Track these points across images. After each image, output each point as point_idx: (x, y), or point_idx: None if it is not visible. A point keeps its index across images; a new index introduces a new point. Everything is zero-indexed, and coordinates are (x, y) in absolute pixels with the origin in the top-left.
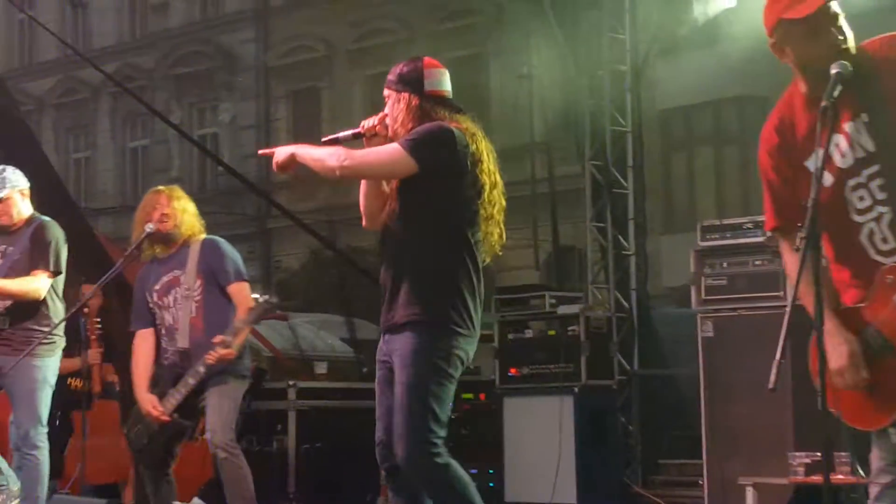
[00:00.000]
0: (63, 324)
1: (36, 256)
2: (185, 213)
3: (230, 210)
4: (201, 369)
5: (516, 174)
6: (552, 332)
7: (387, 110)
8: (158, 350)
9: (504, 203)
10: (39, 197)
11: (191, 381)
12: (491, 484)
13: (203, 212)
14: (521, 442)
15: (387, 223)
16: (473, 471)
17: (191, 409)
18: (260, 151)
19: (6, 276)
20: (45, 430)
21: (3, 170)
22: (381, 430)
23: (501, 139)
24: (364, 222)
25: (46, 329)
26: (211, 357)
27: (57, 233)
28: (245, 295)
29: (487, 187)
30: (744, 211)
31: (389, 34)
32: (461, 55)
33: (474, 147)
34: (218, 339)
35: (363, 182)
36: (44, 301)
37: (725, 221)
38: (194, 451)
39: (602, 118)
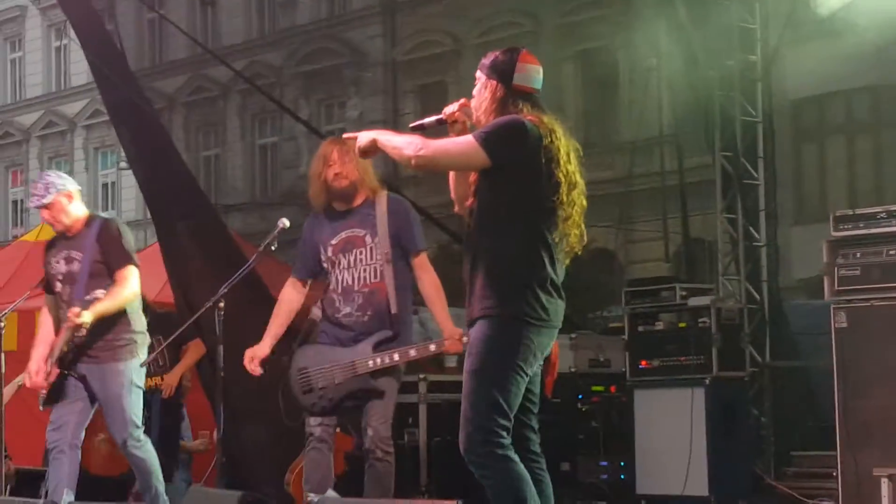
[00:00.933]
0: (144, 323)
1: (114, 255)
2: (362, 168)
3: None
4: (412, 353)
5: (645, 166)
6: (683, 324)
7: (474, 93)
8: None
9: (585, 204)
10: (174, 194)
11: (388, 359)
12: (622, 476)
13: None
14: (651, 434)
15: (467, 216)
16: (604, 463)
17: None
18: (345, 135)
19: (87, 285)
20: (140, 429)
21: (48, 175)
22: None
23: (630, 131)
24: (456, 208)
25: (127, 332)
26: (443, 346)
27: (122, 226)
28: (430, 268)
29: (564, 186)
30: (877, 200)
31: (515, 28)
32: (588, 48)
33: (549, 142)
34: (458, 333)
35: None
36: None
37: (858, 211)
38: None
39: (732, 109)
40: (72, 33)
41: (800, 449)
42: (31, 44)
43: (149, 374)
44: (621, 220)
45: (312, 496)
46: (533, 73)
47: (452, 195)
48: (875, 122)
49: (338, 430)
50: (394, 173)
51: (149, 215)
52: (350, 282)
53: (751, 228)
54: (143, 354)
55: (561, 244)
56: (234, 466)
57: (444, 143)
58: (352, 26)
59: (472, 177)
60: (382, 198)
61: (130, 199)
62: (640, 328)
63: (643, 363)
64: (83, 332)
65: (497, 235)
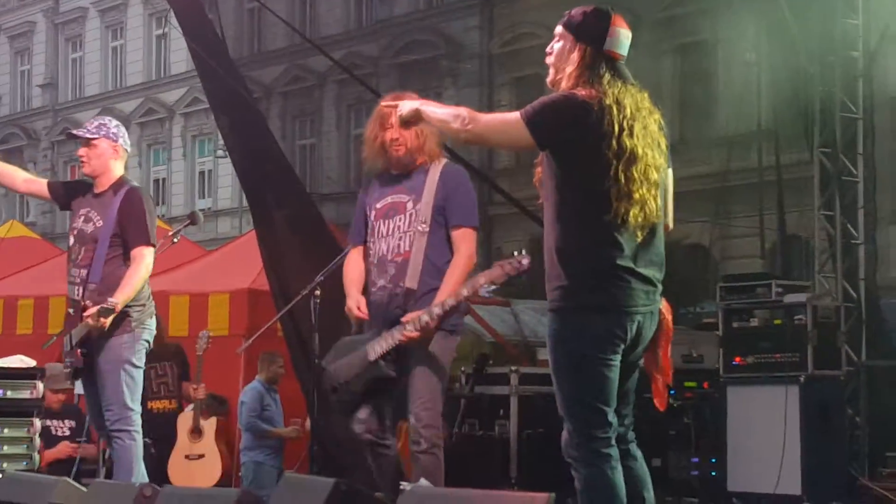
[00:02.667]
0: (148, 298)
1: (131, 232)
2: (422, 135)
3: None
4: (407, 328)
5: (742, 161)
6: (778, 321)
7: (554, 48)
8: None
9: (655, 178)
10: (271, 183)
11: (398, 335)
12: (713, 473)
13: None
14: (744, 431)
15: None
16: (695, 459)
17: (398, 361)
18: (383, 102)
19: (93, 248)
20: (135, 413)
21: (109, 120)
22: None
23: (728, 126)
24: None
25: (134, 307)
26: (404, 334)
27: (149, 202)
28: (470, 245)
29: (620, 164)
30: None
31: None
32: (687, 42)
33: (601, 118)
34: (409, 316)
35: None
36: (122, 270)
37: None
38: None
39: (832, 105)
40: (174, 21)
41: (895, 450)
42: (132, 32)
43: (159, 398)
44: (717, 215)
45: (405, 484)
46: (623, 39)
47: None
48: None
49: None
50: (488, 164)
51: (245, 203)
52: (385, 251)
53: (849, 226)
54: (145, 329)
55: (626, 224)
56: (327, 454)
57: (493, 119)
58: (449, 18)
59: (540, 160)
60: (439, 164)
61: (227, 188)
62: (735, 324)
63: (737, 360)
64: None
65: (556, 222)
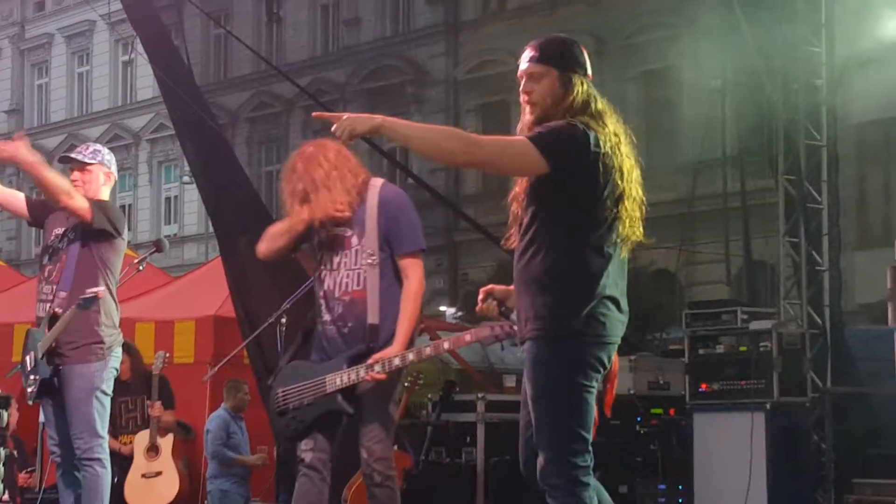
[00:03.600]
0: (117, 321)
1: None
2: (350, 170)
3: None
4: (362, 374)
5: (707, 188)
6: (744, 348)
7: (529, 87)
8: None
9: (641, 195)
10: (237, 209)
11: (355, 375)
12: (680, 500)
13: None
14: (711, 458)
15: (515, 229)
16: (662, 486)
17: (353, 397)
18: (315, 114)
19: (75, 279)
20: (103, 440)
21: (102, 147)
22: (523, 443)
23: (692, 153)
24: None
25: (106, 333)
26: (370, 376)
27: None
28: (419, 272)
29: (626, 196)
30: None
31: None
32: (652, 69)
33: (609, 149)
34: (377, 356)
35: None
36: (96, 301)
37: None
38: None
39: (796, 132)
40: (140, 48)
41: (861, 476)
42: (98, 58)
43: (127, 432)
44: (683, 241)
45: None
46: (588, 61)
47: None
48: None
49: (395, 447)
50: (454, 190)
51: (211, 229)
52: (332, 287)
53: (813, 252)
54: (112, 357)
55: (618, 252)
56: (293, 482)
57: (496, 142)
58: (415, 45)
59: (520, 187)
60: (375, 187)
61: (193, 213)
62: (701, 351)
63: (703, 386)
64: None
65: (550, 249)
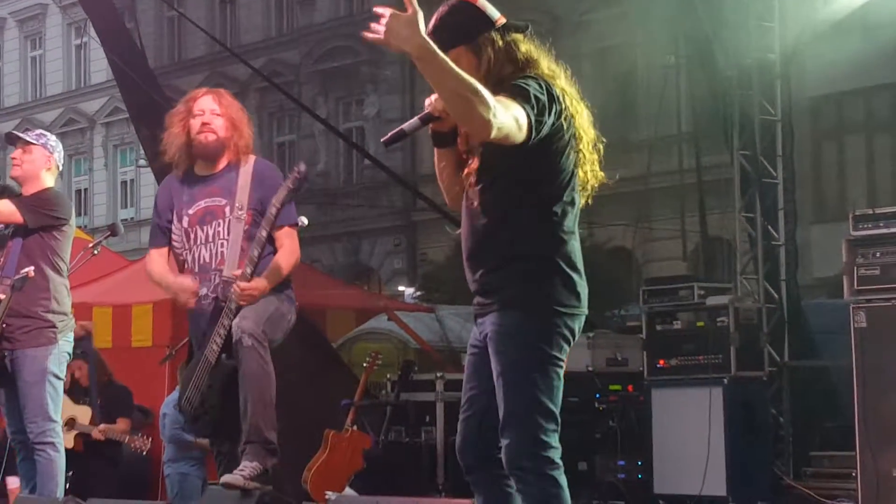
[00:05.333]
0: (69, 306)
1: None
2: (235, 125)
3: (376, 203)
4: (232, 307)
5: (664, 165)
6: (701, 324)
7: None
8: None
9: (593, 135)
10: None
11: (225, 321)
12: (639, 476)
13: (350, 204)
14: (669, 434)
15: (468, 195)
16: (621, 462)
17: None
18: (380, 9)
19: (22, 251)
20: (57, 424)
21: (48, 135)
22: (463, 419)
23: (647, 130)
24: (448, 202)
25: (57, 318)
26: (234, 294)
27: (57, 195)
28: (294, 242)
29: (584, 145)
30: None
31: (534, 26)
32: (607, 45)
33: (568, 103)
34: (238, 271)
35: (438, 153)
36: (45, 281)
37: (878, 210)
38: (343, 442)
39: (751, 107)
40: (92, 31)
41: (819, 449)
42: (51, 42)
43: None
44: (639, 218)
45: (330, 494)
46: (486, 6)
47: (444, 187)
48: (894, 120)
49: (354, 427)
50: (411, 170)
51: None
52: (207, 259)
53: (769, 227)
54: (65, 340)
55: (578, 208)
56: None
57: (507, 106)
58: (370, 25)
59: (464, 150)
60: (249, 162)
61: (149, 197)
62: (658, 327)
63: (661, 362)
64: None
65: (514, 218)
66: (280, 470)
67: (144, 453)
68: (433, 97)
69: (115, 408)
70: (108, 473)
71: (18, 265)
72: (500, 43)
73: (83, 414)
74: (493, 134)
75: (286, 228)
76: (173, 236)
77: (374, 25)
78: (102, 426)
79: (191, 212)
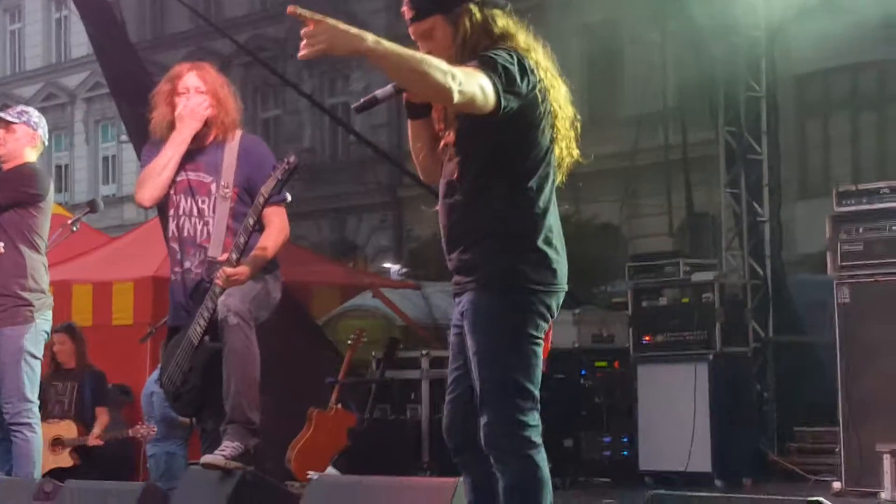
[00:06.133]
0: (46, 285)
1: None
2: (220, 102)
3: (362, 179)
4: (216, 290)
5: (649, 141)
6: (686, 300)
7: (427, 47)
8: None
9: (571, 112)
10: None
11: (209, 303)
12: (625, 452)
13: (335, 181)
14: (655, 410)
15: (445, 169)
16: (607, 439)
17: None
18: (290, 9)
19: None
20: (34, 405)
21: (32, 110)
22: (449, 400)
23: (634, 106)
24: (423, 177)
25: (34, 296)
26: (218, 279)
27: (37, 170)
28: (282, 219)
29: (559, 120)
30: (880, 176)
31: (519, 2)
32: (592, 21)
33: (542, 75)
34: (223, 255)
35: (413, 125)
36: (22, 259)
37: (861, 187)
38: (328, 420)
39: (736, 84)
40: (71, 4)
41: (803, 424)
42: (30, 15)
43: (52, 416)
44: (625, 194)
45: (312, 473)
46: None
47: (418, 161)
48: (880, 98)
49: (339, 405)
50: (396, 146)
51: None
52: (192, 232)
53: (754, 203)
54: (41, 319)
55: (554, 183)
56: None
57: (468, 75)
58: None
59: (449, 125)
60: (235, 139)
61: (131, 173)
62: (644, 303)
63: (646, 338)
64: None
65: (490, 194)
66: (262, 449)
67: (151, 436)
68: None
69: (92, 396)
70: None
71: None
72: (478, 16)
73: (67, 429)
74: (456, 98)
75: (274, 207)
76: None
77: (303, 45)
78: (96, 430)
79: (177, 178)
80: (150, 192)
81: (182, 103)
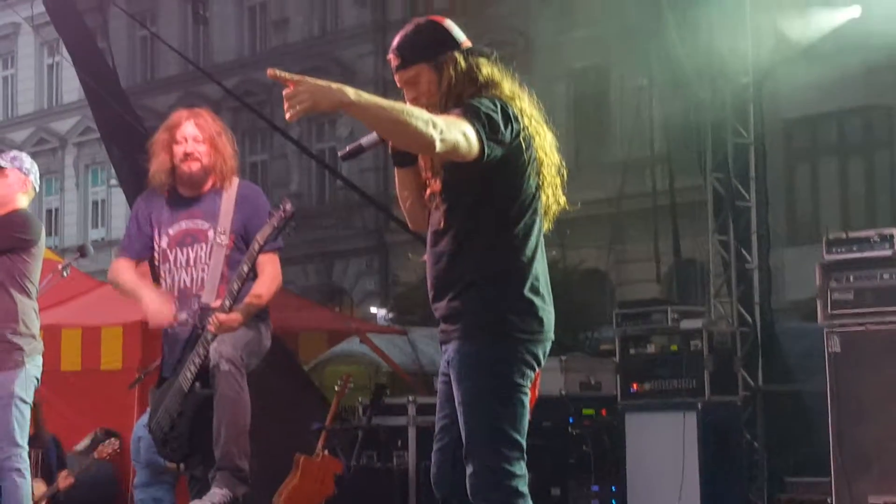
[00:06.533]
0: (37, 330)
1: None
2: (218, 149)
3: (348, 224)
4: (208, 336)
5: (637, 186)
6: (674, 347)
7: (413, 94)
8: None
9: (557, 160)
10: None
11: (201, 350)
12: (613, 501)
13: (322, 225)
14: (643, 458)
15: (430, 218)
16: (595, 488)
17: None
18: (270, 72)
19: None
20: (23, 450)
21: (24, 156)
22: (437, 450)
23: (621, 152)
24: (410, 225)
25: (25, 340)
26: (211, 325)
27: (28, 216)
28: (275, 267)
29: (545, 167)
30: (869, 223)
31: (507, 46)
32: (581, 66)
33: (527, 122)
34: (217, 302)
35: (400, 173)
36: (13, 304)
37: (852, 235)
38: (315, 467)
39: (724, 130)
40: (64, 51)
41: (793, 475)
42: (23, 61)
43: None
44: (612, 240)
45: None
46: (455, 26)
47: (405, 209)
48: (867, 143)
49: (326, 452)
50: (383, 190)
51: None
52: (188, 283)
53: (743, 250)
54: (33, 364)
55: (541, 231)
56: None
57: (450, 124)
58: (343, 45)
59: (435, 173)
60: (233, 185)
61: (120, 217)
62: (632, 351)
63: (634, 386)
64: None
65: (476, 242)
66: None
67: (116, 452)
68: None
69: (58, 461)
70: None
71: None
72: (463, 64)
73: (37, 487)
74: (438, 147)
75: (269, 254)
76: (154, 251)
77: (287, 107)
78: (63, 473)
79: (171, 232)
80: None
81: (179, 153)
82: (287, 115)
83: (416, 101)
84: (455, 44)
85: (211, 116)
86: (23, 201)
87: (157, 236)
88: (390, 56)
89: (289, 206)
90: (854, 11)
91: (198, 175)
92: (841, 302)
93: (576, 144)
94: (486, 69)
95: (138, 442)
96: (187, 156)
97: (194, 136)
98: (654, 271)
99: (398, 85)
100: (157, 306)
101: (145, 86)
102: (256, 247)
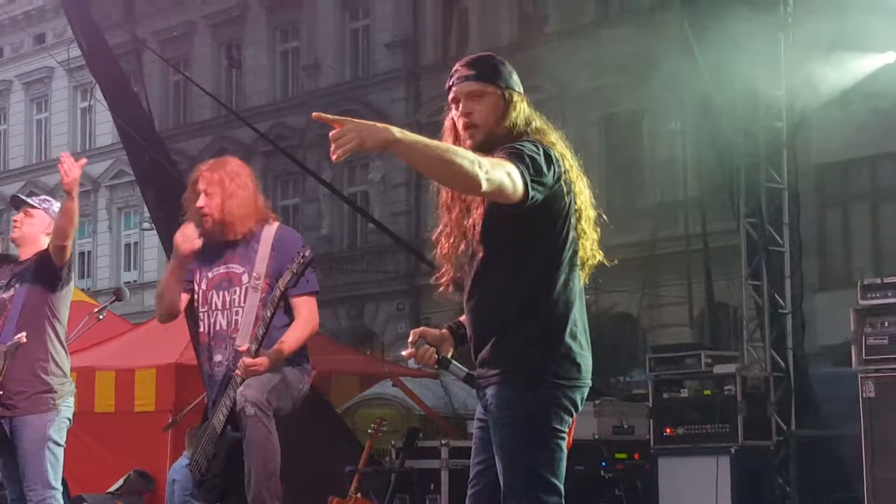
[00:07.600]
0: (68, 370)
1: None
2: (231, 198)
3: (380, 267)
4: (237, 380)
5: (669, 230)
6: (707, 392)
7: (469, 107)
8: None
9: (594, 214)
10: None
11: (231, 393)
12: None
13: (353, 269)
14: (676, 503)
15: (468, 260)
16: None
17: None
18: (315, 114)
19: (20, 314)
20: (57, 492)
21: (53, 200)
22: (471, 494)
23: (655, 195)
24: (444, 280)
25: (57, 383)
26: (238, 370)
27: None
28: (312, 309)
29: (584, 215)
30: None
31: (541, 92)
32: (613, 112)
33: (568, 168)
34: (244, 346)
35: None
36: (45, 344)
37: (886, 280)
38: None
39: (757, 174)
40: (99, 95)
41: None
42: (56, 105)
43: None
44: (645, 284)
45: None
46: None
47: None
48: None
49: (358, 495)
50: (415, 233)
51: None
52: (224, 326)
53: (776, 295)
54: (66, 406)
55: (580, 280)
56: None
57: (495, 165)
58: (375, 89)
59: (476, 215)
60: (271, 229)
61: (153, 260)
62: (665, 395)
63: (667, 431)
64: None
65: (515, 285)
66: None
67: None
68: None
69: None
70: None
71: (18, 330)
72: (527, 108)
73: None
74: (484, 186)
75: (304, 297)
76: (194, 293)
77: (334, 148)
78: None
79: (210, 275)
80: (159, 312)
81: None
82: (333, 156)
83: (466, 116)
84: (520, 88)
85: (227, 164)
86: (46, 243)
87: (196, 279)
88: (459, 66)
89: (307, 252)
90: (889, 57)
91: (212, 229)
92: (875, 347)
93: (608, 188)
94: (539, 122)
95: (173, 484)
96: (199, 210)
97: (205, 191)
98: (686, 315)
99: (454, 95)
100: (182, 232)
101: (178, 130)
102: (277, 293)
